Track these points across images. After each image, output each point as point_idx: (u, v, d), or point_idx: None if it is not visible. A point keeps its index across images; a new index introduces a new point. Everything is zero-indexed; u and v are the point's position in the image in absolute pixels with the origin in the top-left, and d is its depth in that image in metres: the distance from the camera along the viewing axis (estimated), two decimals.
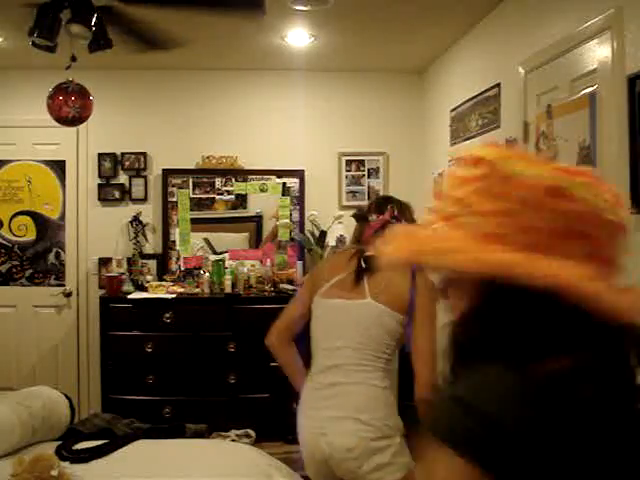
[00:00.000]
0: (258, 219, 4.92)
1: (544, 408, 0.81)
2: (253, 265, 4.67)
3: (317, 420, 2.08)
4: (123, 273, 4.64)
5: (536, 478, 0.80)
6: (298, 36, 4.03)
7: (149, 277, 4.67)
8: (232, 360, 4.35)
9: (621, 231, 0.91)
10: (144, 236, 4.79)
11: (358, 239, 2.35)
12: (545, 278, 0.83)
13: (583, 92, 2.47)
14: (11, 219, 4.78)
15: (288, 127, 4.91)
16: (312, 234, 4.81)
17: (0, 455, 2.34)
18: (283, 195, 4.85)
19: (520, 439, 0.79)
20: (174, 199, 4.83)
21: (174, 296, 4.42)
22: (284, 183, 4.85)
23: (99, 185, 4.82)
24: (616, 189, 0.93)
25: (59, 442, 2.56)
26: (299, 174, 4.83)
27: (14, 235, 4.79)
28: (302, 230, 4.81)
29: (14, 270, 4.80)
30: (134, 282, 4.63)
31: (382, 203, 2.36)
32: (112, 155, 4.82)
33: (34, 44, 2.92)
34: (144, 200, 4.84)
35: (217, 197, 4.85)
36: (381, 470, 2.00)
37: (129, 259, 4.71)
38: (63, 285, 4.81)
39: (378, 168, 5.00)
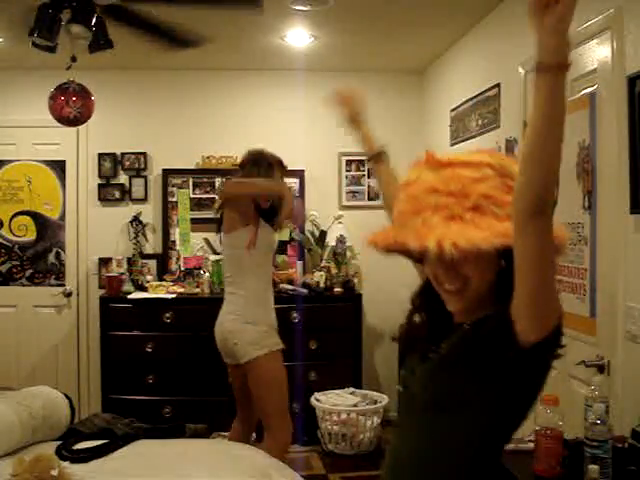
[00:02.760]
0: None
1: None
2: None
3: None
4: (123, 273, 4.64)
5: None
6: (298, 36, 4.03)
7: (149, 277, 4.67)
8: None
9: None
10: (144, 236, 4.79)
11: None
12: (558, 238, 1.17)
13: (583, 92, 2.47)
14: (11, 219, 4.78)
15: (288, 127, 4.91)
16: (312, 234, 4.81)
17: (0, 455, 2.34)
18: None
19: None
20: (174, 199, 4.83)
21: (174, 296, 4.42)
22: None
23: (99, 185, 4.82)
24: None
25: (59, 442, 2.56)
26: (299, 174, 4.83)
27: (14, 235, 4.79)
28: (302, 230, 4.81)
29: (14, 270, 4.80)
30: (134, 282, 4.63)
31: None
32: (112, 155, 4.82)
33: (34, 44, 2.92)
34: (144, 200, 4.84)
35: (217, 197, 4.85)
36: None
37: (129, 259, 4.72)
38: (63, 285, 4.81)
39: None
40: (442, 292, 1.30)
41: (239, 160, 3.28)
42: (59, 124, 3.58)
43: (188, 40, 3.22)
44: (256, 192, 3.06)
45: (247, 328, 2.95)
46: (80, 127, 4.14)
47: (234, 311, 3.00)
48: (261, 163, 3.10)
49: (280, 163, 3.18)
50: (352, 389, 4.35)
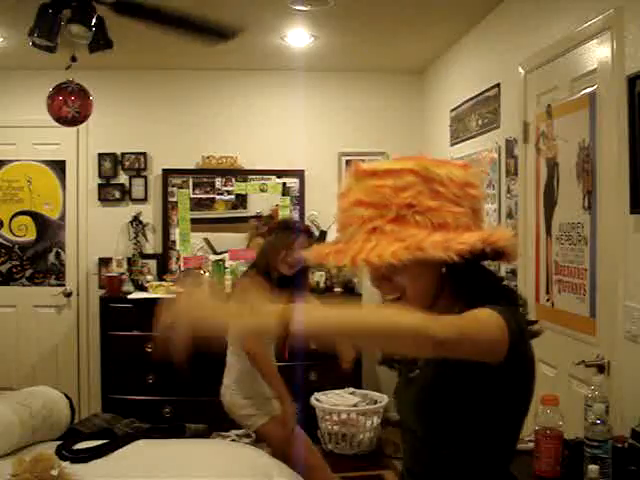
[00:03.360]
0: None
1: None
2: None
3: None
4: (123, 273, 4.64)
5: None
6: (298, 36, 4.03)
7: (149, 277, 4.67)
8: None
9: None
10: (144, 236, 4.79)
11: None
12: (497, 242, 1.20)
13: (583, 92, 2.47)
14: (11, 219, 4.78)
15: (288, 127, 4.91)
16: None
17: (0, 455, 2.34)
18: (283, 195, 4.86)
19: None
20: (174, 199, 4.83)
21: (174, 296, 4.41)
22: (284, 183, 4.85)
23: (99, 185, 4.82)
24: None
25: (59, 442, 2.56)
26: (299, 174, 4.83)
27: (14, 235, 4.79)
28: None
29: (14, 270, 4.80)
30: (134, 282, 4.63)
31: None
32: (112, 155, 4.82)
33: (34, 44, 2.91)
34: (144, 200, 4.84)
35: (217, 197, 4.85)
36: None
37: (129, 259, 4.72)
38: (63, 285, 4.81)
39: None
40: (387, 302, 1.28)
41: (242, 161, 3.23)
42: (59, 124, 3.58)
43: (223, 31, 3.06)
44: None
45: (246, 403, 2.97)
46: (80, 127, 4.14)
47: (230, 386, 3.03)
48: (287, 230, 3.01)
49: (307, 231, 3.09)
50: (352, 389, 4.35)
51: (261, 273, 2.91)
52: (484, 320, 1.14)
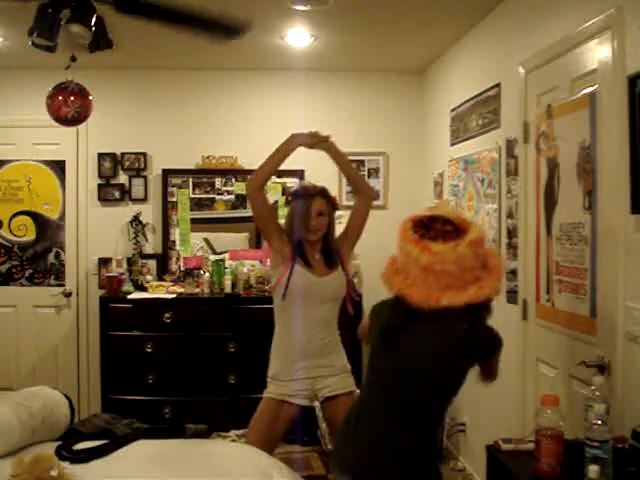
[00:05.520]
0: None
1: None
2: (253, 265, 4.68)
3: None
4: (123, 273, 4.64)
5: None
6: (298, 36, 4.03)
7: (149, 277, 4.67)
8: (232, 360, 4.35)
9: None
10: (144, 236, 4.79)
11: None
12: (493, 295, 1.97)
13: (583, 92, 2.46)
14: (11, 219, 4.78)
15: (288, 127, 4.88)
16: None
17: (0, 455, 2.34)
18: (283, 195, 4.85)
19: None
20: (174, 199, 4.83)
21: (174, 296, 4.42)
22: (284, 183, 4.85)
23: (99, 185, 4.82)
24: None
25: (59, 442, 2.55)
26: (299, 174, 4.83)
27: (14, 235, 4.79)
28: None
29: (14, 270, 4.80)
30: (134, 282, 4.63)
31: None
32: (112, 155, 4.82)
33: (34, 44, 2.91)
34: (144, 200, 4.84)
35: (217, 197, 4.86)
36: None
37: (129, 259, 4.72)
38: (63, 285, 4.81)
39: (378, 168, 5.00)
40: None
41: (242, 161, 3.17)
42: (59, 124, 3.58)
43: (232, 27, 2.97)
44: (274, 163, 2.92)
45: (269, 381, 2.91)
46: (80, 127, 4.15)
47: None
48: (302, 197, 2.94)
49: (322, 193, 2.96)
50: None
51: (291, 243, 2.80)
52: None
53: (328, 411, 2.88)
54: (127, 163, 4.83)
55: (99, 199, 4.82)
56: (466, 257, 1.88)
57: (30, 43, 2.92)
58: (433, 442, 2.01)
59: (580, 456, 1.76)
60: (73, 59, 3.15)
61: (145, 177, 4.85)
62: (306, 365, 2.79)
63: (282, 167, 5.02)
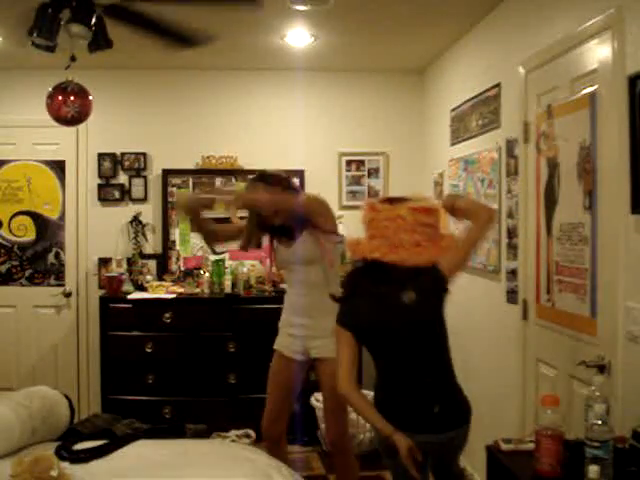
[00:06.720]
0: None
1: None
2: (253, 265, 4.67)
3: None
4: (123, 273, 4.64)
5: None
6: (298, 36, 4.03)
7: (149, 277, 4.67)
8: (232, 360, 4.35)
9: None
10: (144, 236, 4.79)
11: None
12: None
13: (583, 92, 2.46)
14: (11, 219, 4.78)
15: (288, 127, 4.91)
16: None
17: (0, 455, 2.34)
18: None
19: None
20: (174, 199, 4.83)
21: (174, 296, 4.42)
22: None
23: (99, 185, 4.82)
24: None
25: (59, 442, 2.56)
26: (299, 174, 4.83)
27: (14, 235, 4.79)
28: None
29: (14, 270, 4.80)
30: (134, 282, 4.63)
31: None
32: (112, 155, 4.82)
33: (34, 44, 2.91)
34: (144, 200, 4.84)
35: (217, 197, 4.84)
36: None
37: (129, 259, 4.72)
38: (63, 285, 4.81)
39: (378, 168, 5.00)
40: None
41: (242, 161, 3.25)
42: (58, 124, 3.58)
43: (194, 38, 3.20)
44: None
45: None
46: (80, 127, 4.14)
47: None
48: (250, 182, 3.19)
49: (262, 178, 3.07)
50: None
51: (266, 230, 3.13)
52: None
53: (316, 371, 3.10)
54: (127, 163, 4.83)
55: (99, 199, 4.82)
56: (404, 219, 2.12)
57: (30, 43, 2.93)
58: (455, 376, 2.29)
59: (580, 456, 1.76)
60: (73, 59, 3.14)
61: (145, 177, 4.85)
62: (295, 322, 3.01)
63: (282, 167, 5.05)
